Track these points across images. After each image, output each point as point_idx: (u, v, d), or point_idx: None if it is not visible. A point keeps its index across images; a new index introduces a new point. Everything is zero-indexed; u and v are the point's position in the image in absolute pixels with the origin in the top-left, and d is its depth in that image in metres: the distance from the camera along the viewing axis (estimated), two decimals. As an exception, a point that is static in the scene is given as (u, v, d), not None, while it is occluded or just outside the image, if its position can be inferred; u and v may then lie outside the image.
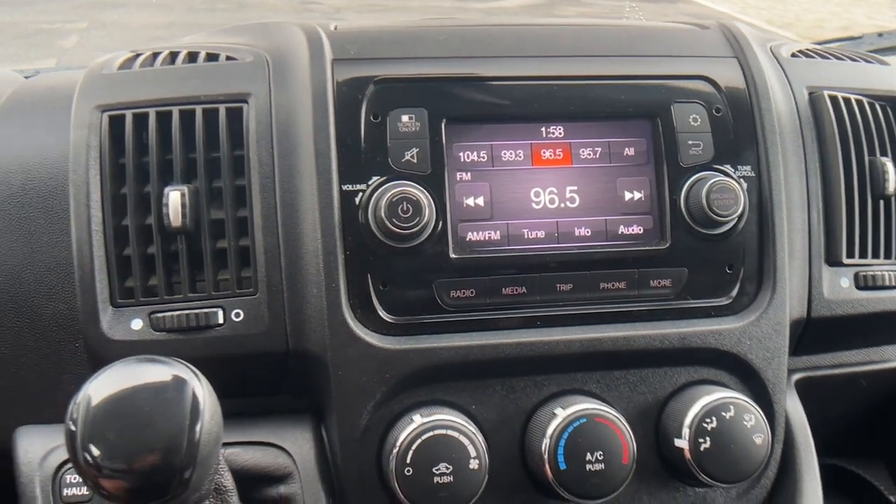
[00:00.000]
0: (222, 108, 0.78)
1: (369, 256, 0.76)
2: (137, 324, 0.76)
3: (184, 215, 0.75)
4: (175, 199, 0.75)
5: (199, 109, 0.78)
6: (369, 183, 0.76)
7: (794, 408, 0.86)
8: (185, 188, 0.76)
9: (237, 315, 0.77)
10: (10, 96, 0.88)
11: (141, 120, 0.78)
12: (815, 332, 0.86)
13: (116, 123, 0.78)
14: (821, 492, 0.83)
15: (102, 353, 0.75)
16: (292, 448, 0.77)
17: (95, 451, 0.53)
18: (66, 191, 0.80)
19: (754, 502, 0.82)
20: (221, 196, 0.77)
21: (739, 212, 0.79)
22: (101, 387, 0.55)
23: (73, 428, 0.54)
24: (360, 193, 0.76)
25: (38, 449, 0.76)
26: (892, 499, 0.99)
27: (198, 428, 0.54)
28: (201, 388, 0.56)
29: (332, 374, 0.75)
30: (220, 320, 0.76)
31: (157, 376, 0.56)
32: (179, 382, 0.55)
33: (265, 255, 0.77)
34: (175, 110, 0.78)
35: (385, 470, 0.73)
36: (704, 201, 0.78)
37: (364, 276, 0.76)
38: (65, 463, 0.75)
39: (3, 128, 0.85)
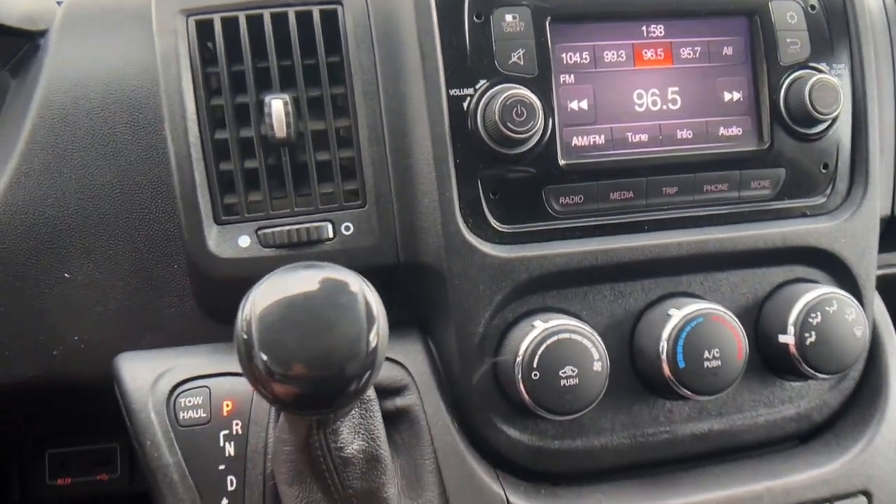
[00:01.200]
0: (316, 11, 0.74)
1: (479, 164, 0.74)
2: (245, 241, 0.73)
3: (287, 125, 0.71)
4: (278, 107, 0.71)
5: (291, 12, 0.74)
6: (477, 87, 0.74)
7: (876, 304, 0.88)
8: (286, 96, 0.72)
9: (347, 228, 0.75)
10: (69, 7, 0.81)
11: (230, 25, 0.73)
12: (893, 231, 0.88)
13: (203, 29, 0.73)
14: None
15: (209, 273, 0.73)
16: (406, 360, 0.76)
17: (273, 359, 0.51)
18: (152, 103, 0.75)
19: (844, 394, 0.85)
20: (322, 105, 0.74)
21: (839, 110, 0.79)
22: (271, 293, 0.53)
23: (245, 336, 0.52)
24: (469, 98, 0.73)
25: (146, 375, 0.74)
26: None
27: (373, 334, 0.53)
28: (371, 293, 0.54)
29: (448, 285, 0.73)
30: (330, 234, 0.74)
31: (326, 281, 0.53)
32: (351, 287, 0.53)
33: (372, 165, 0.74)
34: (266, 13, 0.73)
35: (508, 376, 0.73)
36: (807, 99, 0.78)
37: (474, 184, 0.74)
38: (177, 387, 0.73)
39: (72, 40, 0.79)
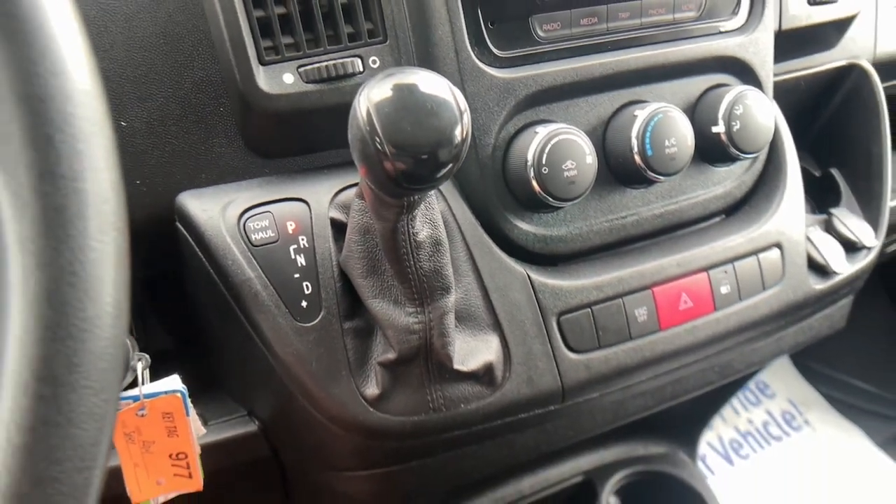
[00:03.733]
0: None
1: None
2: (289, 78, 0.82)
3: (317, -30, 0.80)
4: (307, -46, 0.80)
5: None
6: (471, -70, 0.86)
7: (771, 103, 1.11)
8: (310, -56, 0.81)
9: (374, 62, 0.85)
10: None
11: None
12: (780, 43, 1.10)
13: None
14: (798, 164, 1.11)
15: (262, 109, 0.82)
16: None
17: (390, 140, 0.63)
18: (183, -43, 0.81)
19: (755, 174, 1.08)
20: (340, -49, 0.83)
21: None
22: (383, 90, 0.64)
23: (367, 127, 0.63)
24: (466, -60, 0.85)
25: (212, 206, 0.82)
26: (815, 173, 1.32)
27: (465, 119, 0.66)
28: (456, 88, 0.67)
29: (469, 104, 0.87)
30: (360, 68, 0.85)
31: (421, 79, 0.65)
32: (441, 82, 0.66)
33: (390, 4, 0.85)
34: None
35: (519, 174, 0.89)
36: (720, -66, 0.97)
37: (476, 17, 0.87)
38: (244, 213, 0.82)
39: None
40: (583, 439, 1.15)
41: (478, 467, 1.00)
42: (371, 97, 0.64)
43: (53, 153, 0.39)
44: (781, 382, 2.40)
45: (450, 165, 0.66)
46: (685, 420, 1.85)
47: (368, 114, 0.63)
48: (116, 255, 0.41)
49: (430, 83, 0.65)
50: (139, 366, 0.72)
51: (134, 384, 0.74)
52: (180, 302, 1.01)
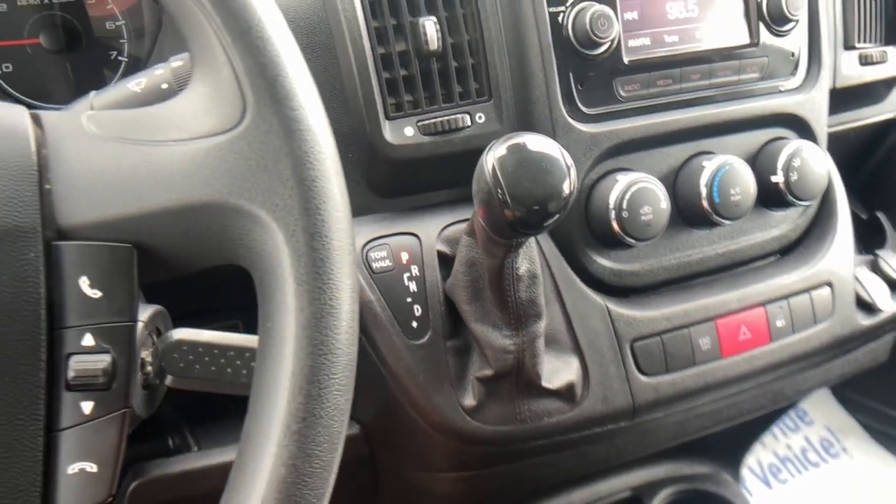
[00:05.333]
0: None
1: (570, 64, 1.00)
2: (409, 131, 0.96)
3: (438, 39, 0.94)
4: (431, 27, 0.94)
5: None
6: (567, 4, 0.99)
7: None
8: (433, 18, 0.94)
9: (480, 118, 0.99)
10: None
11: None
12: (834, 99, 1.22)
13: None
14: (848, 210, 1.22)
15: (386, 157, 0.95)
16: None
17: (510, 192, 0.76)
18: (324, 27, 0.95)
19: (809, 217, 1.19)
20: (457, 23, 0.97)
21: (804, 11, 1.11)
22: (504, 150, 0.77)
23: (492, 181, 0.77)
24: (562, 14, 0.98)
25: (340, 238, 0.96)
26: (862, 216, 1.42)
27: (573, 176, 0.78)
28: (565, 150, 0.80)
29: (557, 155, 1.00)
30: (469, 123, 0.98)
31: (535, 142, 0.78)
32: (553, 145, 0.79)
33: (496, 68, 0.99)
34: None
35: (601, 216, 1.01)
36: (783, 4, 1.09)
37: (568, 79, 1.00)
38: (366, 245, 0.96)
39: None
40: (643, 455, 1.26)
41: (554, 474, 1.12)
42: (496, 156, 0.77)
43: (320, 219, 0.53)
44: (820, 410, 2.47)
45: (557, 215, 0.79)
46: (730, 442, 1.94)
47: (494, 170, 0.77)
48: (353, 291, 0.54)
49: (544, 145, 0.78)
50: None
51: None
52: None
